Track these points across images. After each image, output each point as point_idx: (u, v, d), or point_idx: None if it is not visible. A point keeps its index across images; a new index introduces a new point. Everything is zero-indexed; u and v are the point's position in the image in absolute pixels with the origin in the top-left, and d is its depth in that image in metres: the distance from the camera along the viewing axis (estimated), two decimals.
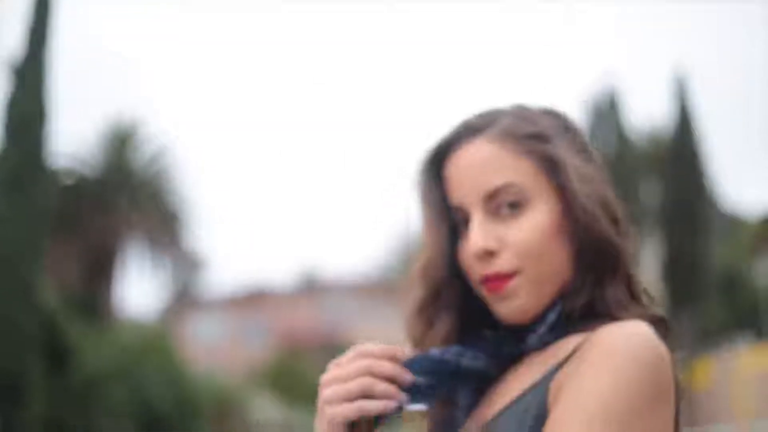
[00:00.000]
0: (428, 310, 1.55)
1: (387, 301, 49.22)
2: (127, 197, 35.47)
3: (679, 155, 30.71)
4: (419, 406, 1.47)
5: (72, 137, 43.12)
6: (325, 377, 1.41)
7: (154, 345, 29.82)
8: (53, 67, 25.99)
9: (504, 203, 1.46)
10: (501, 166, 1.46)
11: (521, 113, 1.51)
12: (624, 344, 1.32)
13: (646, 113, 50.34)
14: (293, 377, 36.54)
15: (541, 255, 1.44)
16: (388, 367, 1.40)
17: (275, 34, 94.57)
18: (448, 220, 1.51)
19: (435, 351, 1.49)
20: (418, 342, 1.57)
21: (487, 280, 1.47)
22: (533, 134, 1.48)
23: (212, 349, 44.55)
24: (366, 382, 1.38)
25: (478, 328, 1.53)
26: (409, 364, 1.46)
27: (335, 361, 1.43)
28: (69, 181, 34.94)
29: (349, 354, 1.42)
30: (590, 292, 1.46)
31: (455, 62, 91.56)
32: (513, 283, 1.45)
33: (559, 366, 1.38)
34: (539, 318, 1.47)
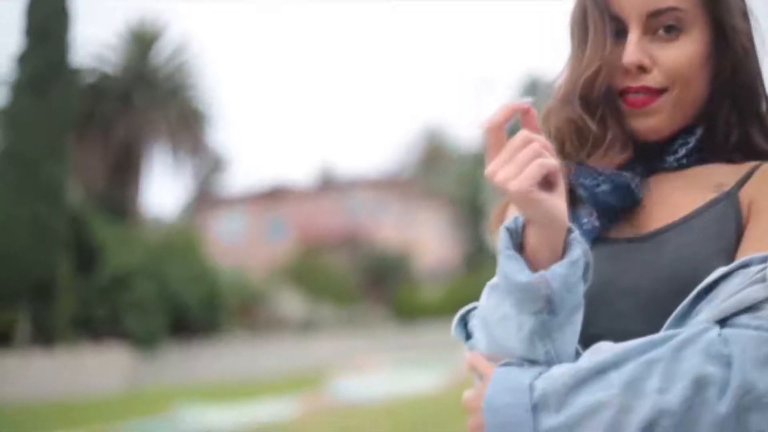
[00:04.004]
0: (597, 112, 1.56)
1: (404, 196, 49.42)
2: (150, 96, 35.51)
3: None
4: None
5: (94, 38, 42.95)
6: (490, 168, 1.37)
7: (179, 242, 30.03)
8: None
9: (662, 25, 1.54)
10: None
11: None
12: None
13: None
14: (314, 273, 36.78)
15: (690, 80, 1.53)
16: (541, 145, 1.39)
17: None
18: (611, 26, 1.56)
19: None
20: (595, 137, 1.57)
21: (632, 91, 1.54)
22: None
23: (234, 245, 44.93)
24: (536, 147, 1.36)
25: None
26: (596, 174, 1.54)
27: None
28: (91, 80, 34.91)
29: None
30: (730, 125, 1.58)
31: None
32: (659, 101, 1.53)
33: (739, 186, 1.52)
34: (671, 140, 1.58)
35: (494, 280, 1.43)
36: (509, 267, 1.37)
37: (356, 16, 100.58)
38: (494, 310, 1.43)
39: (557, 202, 1.37)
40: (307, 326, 33.69)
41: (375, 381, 22.61)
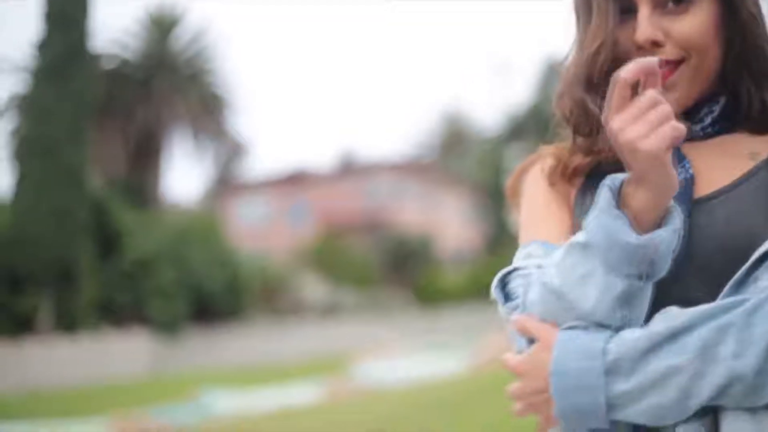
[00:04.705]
0: (601, 89, 1.55)
1: (425, 180, 49.35)
2: (170, 82, 35.53)
3: None
4: None
5: (114, 24, 42.94)
6: (616, 124, 1.34)
7: (201, 228, 30.08)
8: None
9: None
10: None
11: None
12: None
13: None
14: (336, 257, 36.80)
15: (704, 49, 1.54)
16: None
17: None
18: (617, 4, 1.56)
19: None
20: (596, 118, 1.57)
21: None
22: None
23: (256, 230, 45.01)
24: (666, 109, 1.35)
25: None
26: None
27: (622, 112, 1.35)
28: (111, 66, 34.95)
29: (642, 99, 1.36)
30: (750, 94, 1.59)
31: None
32: (678, 73, 1.54)
33: None
34: (694, 110, 1.59)
35: (577, 237, 1.40)
36: (616, 226, 1.35)
37: (376, 0, 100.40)
38: (573, 269, 1.40)
39: (672, 167, 1.37)
40: (329, 310, 33.72)
41: (398, 365, 22.61)
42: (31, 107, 26.08)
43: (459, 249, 46.05)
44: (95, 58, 29.08)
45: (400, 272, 39.55)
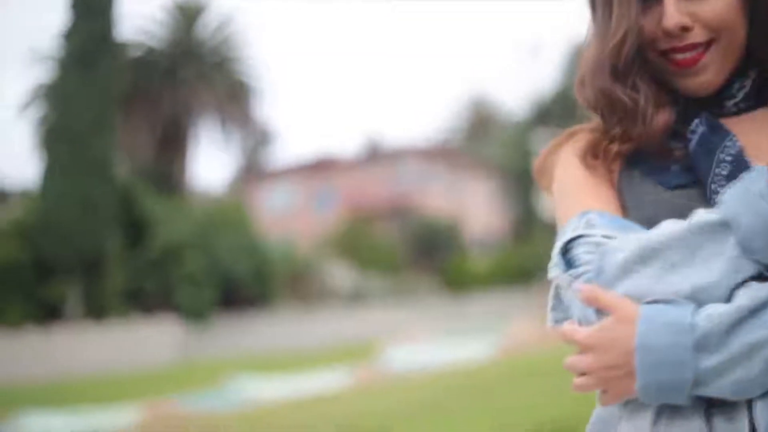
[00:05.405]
0: (628, 78, 1.57)
1: (451, 165, 49.24)
2: (196, 70, 35.55)
3: None
4: None
5: (139, 13, 42.96)
6: None
7: (228, 215, 30.14)
8: None
9: None
10: None
11: None
12: None
13: None
14: (363, 243, 36.78)
15: (733, 28, 1.53)
16: None
17: None
18: None
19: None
20: (627, 107, 1.57)
21: (678, 51, 1.55)
22: None
23: (282, 217, 45.06)
24: None
25: None
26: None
27: None
28: (137, 54, 34.99)
29: None
30: None
31: None
32: (707, 58, 1.54)
33: None
34: (725, 86, 1.58)
35: (710, 216, 1.39)
36: None
37: None
38: (700, 246, 1.38)
39: None
40: (356, 297, 33.73)
41: (424, 351, 22.59)
42: (58, 96, 26.17)
43: (486, 234, 45.94)
44: (121, 47, 29.12)
45: (427, 258, 39.50)
